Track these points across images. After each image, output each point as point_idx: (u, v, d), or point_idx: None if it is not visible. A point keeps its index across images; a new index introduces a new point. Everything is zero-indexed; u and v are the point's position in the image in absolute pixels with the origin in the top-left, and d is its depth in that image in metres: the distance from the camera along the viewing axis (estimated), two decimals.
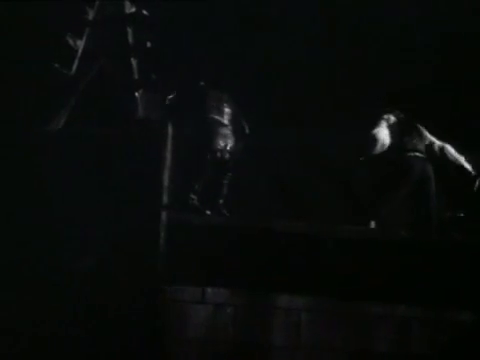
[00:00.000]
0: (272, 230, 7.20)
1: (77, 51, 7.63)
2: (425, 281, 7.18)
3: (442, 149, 8.35)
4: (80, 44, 7.66)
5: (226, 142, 7.80)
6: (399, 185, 8.17)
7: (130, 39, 7.70)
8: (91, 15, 7.70)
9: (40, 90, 7.54)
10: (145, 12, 7.72)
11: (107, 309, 6.57)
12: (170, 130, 7.04)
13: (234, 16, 9.38)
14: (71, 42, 7.63)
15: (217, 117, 7.84)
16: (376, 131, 8.31)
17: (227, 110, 7.92)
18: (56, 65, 7.53)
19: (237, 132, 7.97)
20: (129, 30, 7.69)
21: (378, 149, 8.23)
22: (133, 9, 7.78)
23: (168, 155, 6.97)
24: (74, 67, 7.61)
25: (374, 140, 8.23)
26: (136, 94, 7.54)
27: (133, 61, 7.63)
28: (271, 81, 9.33)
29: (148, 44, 7.66)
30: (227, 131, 7.85)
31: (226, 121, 7.87)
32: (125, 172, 6.82)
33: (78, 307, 6.54)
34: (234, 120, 7.95)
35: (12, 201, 6.79)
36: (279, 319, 7.05)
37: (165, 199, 6.89)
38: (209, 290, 7.00)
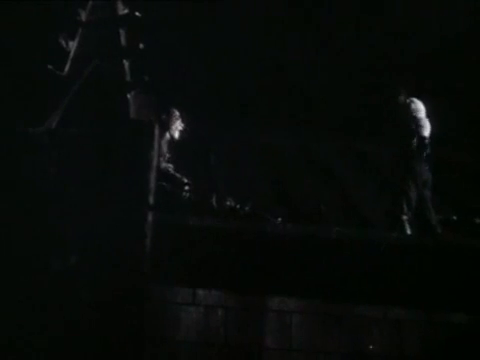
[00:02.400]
0: (264, 232, 7.20)
1: (70, 52, 7.63)
2: (418, 283, 7.17)
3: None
4: (73, 45, 7.65)
5: None
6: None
7: (123, 40, 7.70)
8: (84, 16, 7.70)
9: (32, 91, 7.53)
10: (138, 14, 7.72)
11: (91, 310, 6.53)
12: (157, 131, 7.04)
13: (232, 17, 9.38)
14: (64, 43, 7.62)
15: None
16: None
17: None
18: (49, 66, 7.53)
19: None
20: (122, 31, 7.69)
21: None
22: (126, 11, 7.78)
23: (155, 156, 6.96)
24: (66, 68, 7.61)
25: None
26: (128, 95, 7.54)
27: (125, 62, 7.63)
28: (274, 82, 9.34)
29: (141, 45, 7.66)
30: None
31: None
32: (112, 173, 6.81)
33: (63, 307, 6.51)
34: None
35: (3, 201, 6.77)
36: (271, 321, 7.03)
37: (151, 200, 6.87)
38: (200, 292, 6.99)
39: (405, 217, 7.95)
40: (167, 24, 8.67)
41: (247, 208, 7.70)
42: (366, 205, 8.90)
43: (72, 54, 7.64)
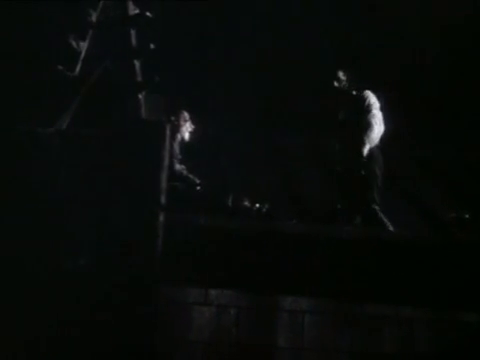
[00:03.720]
0: (276, 231, 7.19)
1: (80, 53, 7.64)
2: (429, 282, 7.15)
3: None
4: (83, 46, 7.67)
5: None
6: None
7: (133, 41, 7.71)
8: (94, 17, 7.71)
9: (44, 91, 7.55)
10: (148, 14, 7.73)
11: (103, 310, 6.54)
12: (168, 131, 7.05)
13: (238, 17, 9.38)
14: (74, 44, 7.63)
15: None
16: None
17: None
18: (60, 67, 7.54)
19: None
20: (132, 32, 7.70)
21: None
22: (136, 11, 7.79)
23: (166, 156, 6.97)
24: (77, 69, 7.62)
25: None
26: (139, 96, 7.55)
27: (136, 63, 7.64)
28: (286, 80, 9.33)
29: (151, 46, 7.66)
30: None
31: None
32: (123, 173, 6.81)
33: (74, 308, 6.51)
34: None
35: (10, 201, 6.77)
36: (283, 321, 7.02)
37: (163, 200, 6.88)
38: (212, 292, 6.99)
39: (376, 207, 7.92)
40: (177, 24, 8.68)
41: (264, 209, 7.72)
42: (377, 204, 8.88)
43: (83, 55, 7.65)
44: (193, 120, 8.64)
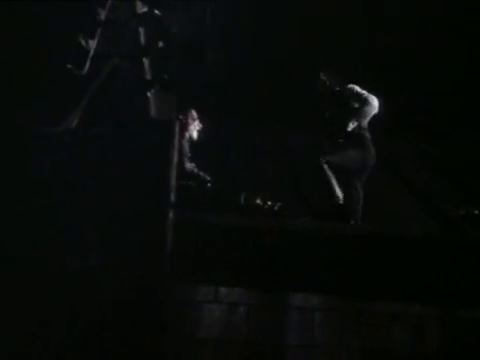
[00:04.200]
0: (286, 229, 7.19)
1: (89, 51, 7.64)
2: (439, 279, 7.14)
3: None
4: (92, 44, 7.66)
5: None
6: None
7: (142, 39, 7.70)
8: (103, 15, 7.71)
9: (52, 90, 7.55)
10: (157, 12, 7.72)
11: (113, 309, 6.54)
12: (177, 129, 7.04)
13: (251, 15, 9.38)
14: (83, 42, 7.63)
15: None
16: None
17: None
18: (68, 65, 7.54)
19: None
20: (141, 30, 7.69)
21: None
22: (145, 9, 7.78)
23: (175, 154, 6.96)
24: (86, 67, 7.62)
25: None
26: (148, 94, 7.54)
27: (145, 61, 7.63)
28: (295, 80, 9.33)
29: (160, 44, 7.66)
30: None
31: None
32: (132, 171, 6.81)
33: (83, 307, 6.51)
34: None
35: (20, 200, 6.78)
36: (293, 318, 7.02)
37: (173, 198, 6.87)
38: (222, 289, 6.99)
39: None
40: (186, 22, 8.68)
41: (276, 207, 7.72)
42: (384, 200, 8.87)
43: (91, 53, 7.65)
44: (201, 119, 8.64)
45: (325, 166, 7.93)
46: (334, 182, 7.96)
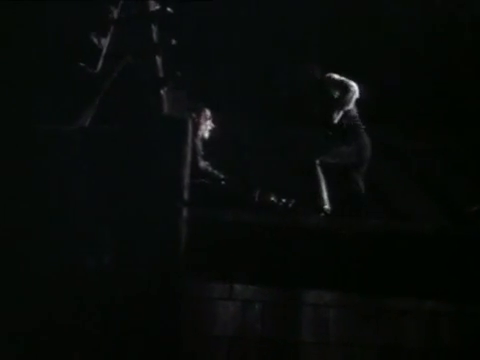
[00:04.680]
0: (300, 226, 7.20)
1: (102, 50, 7.65)
2: (453, 275, 7.14)
3: None
4: (105, 42, 7.67)
5: None
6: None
7: (155, 37, 7.71)
8: (116, 14, 7.72)
9: (65, 89, 7.56)
10: (169, 9, 7.72)
11: (127, 307, 6.55)
12: (191, 127, 7.05)
13: (265, 13, 9.38)
14: (96, 41, 7.64)
15: None
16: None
17: None
18: (81, 64, 7.55)
19: None
20: (154, 28, 7.70)
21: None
22: (157, 7, 7.79)
23: (189, 151, 6.97)
24: (99, 66, 7.63)
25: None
26: (161, 92, 7.55)
27: (158, 59, 7.64)
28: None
29: (173, 41, 7.66)
30: None
31: None
32: (146, 169, 6.82)
33: (98, 305, 6.52)
34: None
35: (32, 199, 6.79)
36: (308, 315, 7.03)
37: (186, 196, 6.88)
38: (237, 287, 6.99)
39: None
40: (199, 19, 8.69)
41: (290, 204, 7.72)
42: (397, 197, 8.87)
43: (104, 51, 7.66)
44: (214, 119, 8.65)
45: (318, 167, 7.91)
46: (323, 185, 7.91)
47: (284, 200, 7.75)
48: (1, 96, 7.71)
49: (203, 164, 8.29)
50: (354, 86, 8.06)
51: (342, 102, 8.02)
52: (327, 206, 7.84)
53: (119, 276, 6.59)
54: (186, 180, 6.92)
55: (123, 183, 6.80)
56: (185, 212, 6.81)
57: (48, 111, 7.39)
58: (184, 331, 6.63)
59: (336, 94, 8.09)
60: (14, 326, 6.44)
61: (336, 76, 8.16)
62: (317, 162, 7.88)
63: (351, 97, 8.05)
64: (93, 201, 6.77)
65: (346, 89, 8.02)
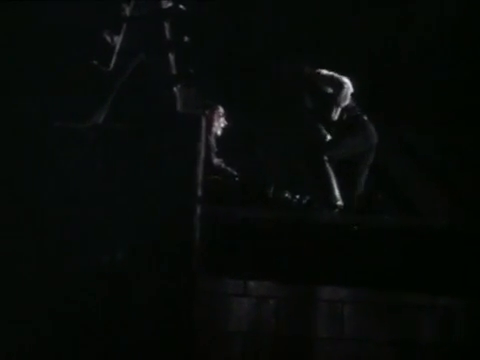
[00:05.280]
0: (314, 222, 7.20)
1: (115, 47, 7.65)
2: (467, 271, 7.13)
3: None
4: (117, 40, 7.67)
5: None
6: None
7: (167, 34, 7.70)
8: (128, 11, 7.72)
9: (78, 87, 7.57)
10: (182, 7, 7.71)
11: (141, 304, 6.57)
12: (204, 124, 7.06)
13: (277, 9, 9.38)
14: (108, 39, 7.64)
15: None
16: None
17: None
18: (94, 62, 7.55)
19: None
20: (166, 25, 7.69)
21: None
22: (170, 4, 7.78)
23: (202, 148, 6.98)
24: (112, 64, 7.63)
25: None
26: (174, 89, 7.54)
27: (171, 56, 7.63)
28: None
29: (185, 38, 7.65)
30: None
31: None
32: (159, 166, 6.83)
33: (112, 302, 6.54)
34: None
35: (46, 197, 6.81)
36: (322, 311, 7.04)
37: (200, 192, 6.89)
38: (252, 283, 7.01)
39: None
40: (212, 16, 8.69)
41: (305, 201, 7.72)
42: (412, 192, 8.86)
43: (117, 49, 7.66)
44: (228, 117, 8.66)
45: (327, 164, 7.92)
46: (334, 181, 7.93)
47: (298, 196, 7.76)
48: (15, 95, 7.74)
49: (217, 161, 8.31)
50: (347, 82, 8.08)
51: (338, 100, 8.04)
52: (340, 202, 7.84)
53: (133, 273, 6.61)
54: (200, 177, 6.94)
55: (137, 181, 6.81)
56: (199, 209, 6.83)
57: (62, 109, 7.40)
58: (199, 327, 6.65)
59: (329, 90, 8.10)
60: (27, 322, 6.48)
61: (325, 72, 8.16)
62: (325, 158, 7.90)
63: (346, 93, 8.07)
64: (106, 199, 6.79)
65: (340, 86, 8.03)
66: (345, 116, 8.11)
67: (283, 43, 9.63)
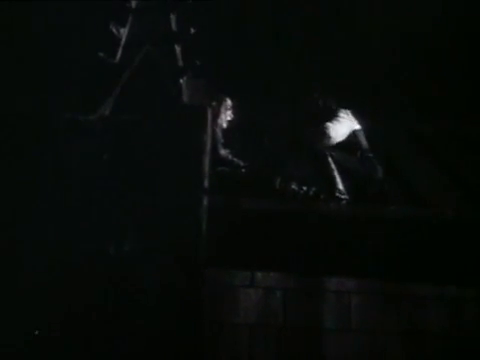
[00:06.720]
0: (321, 213, 7.20)
1: (121, 39, 7.66)
2: (475, 261, 7.11)
3: None
4: (124, 32, 7.68)
5: None
6: None
7: (173, 26, 7.71)
8: (134, 3, 7.72)
9: (85, 79, 7.58)
10: None
11: (149, 294, 6.58)
12: (210, 115, 7.06)
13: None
14: (115, 30, 7.65)
15: None
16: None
17: None
18: (100, 53, 7.56)
19: None
20: (172, 17, 7.69)
21: None
22: None
23: (209, 140, 6.98)
24: (118, 55, 7.64)
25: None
26: (181, 80, 7.55)
27: (177, 48, 7.63)
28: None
29: (192, 30, 7.66)
30: None
31: None
32: (166, 157, 6.83)
33: (119, 292, 6.56)
34: None
35: (54, 188, 6.82)
36: (329, 302, 7.04)
37: (206, 183, 6.90)
38: (259, 274, 7.01)
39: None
40: (218, 8, 8.68)
41: (311, 192, 7.71)
42: (420, 183, 8.82)
43: (123, 41, 7.66)
44: (235, 109, 8.65)
45: (329, 159, 7.95)
46: (337, 173, 7.96)
47: (305, 188, 7.75)
48: (23, 86, 7.76)
49: (223, 152, 8.30)
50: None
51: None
52: (344, 195, 7.85)
53: (140, 264, 6.62)
54: (206, 169, 6.94)
55: (143, 172, 6.83)
56: (206, 200, 6.83)
57: (69, 101, 7.41)
58: (206, 318, 6.67)
59: None
60: (35, 312, 6.51)
61: None
62: (328, 154, 7.96)
63: None
64: (114, 190, 6.80)
65: None
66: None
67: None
